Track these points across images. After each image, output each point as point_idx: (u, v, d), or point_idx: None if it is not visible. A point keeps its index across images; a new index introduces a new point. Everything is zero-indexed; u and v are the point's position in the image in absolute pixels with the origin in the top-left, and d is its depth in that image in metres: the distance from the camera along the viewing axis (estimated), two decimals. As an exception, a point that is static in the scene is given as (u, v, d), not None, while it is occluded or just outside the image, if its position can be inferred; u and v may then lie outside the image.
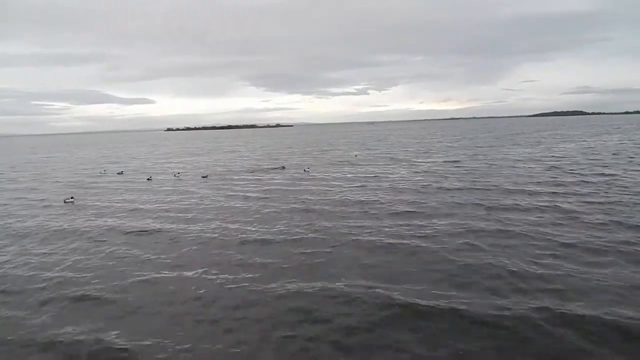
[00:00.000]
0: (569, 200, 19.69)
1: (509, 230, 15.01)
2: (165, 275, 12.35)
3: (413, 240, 14.22)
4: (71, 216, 21.48)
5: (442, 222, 16.45)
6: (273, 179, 32.40)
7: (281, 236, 15.65)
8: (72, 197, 26.49)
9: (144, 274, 12.56)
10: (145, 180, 35.07)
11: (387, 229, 15.83)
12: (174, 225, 18.33)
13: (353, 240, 14.69)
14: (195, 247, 14.94)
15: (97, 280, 12.14)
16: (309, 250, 13.82)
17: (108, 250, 15.18)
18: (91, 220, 20.35)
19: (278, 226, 17.15)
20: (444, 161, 40.04)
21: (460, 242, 13.92)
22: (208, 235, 16.39)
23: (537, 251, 12.83)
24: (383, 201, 21.04)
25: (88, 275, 12.66)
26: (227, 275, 12.02)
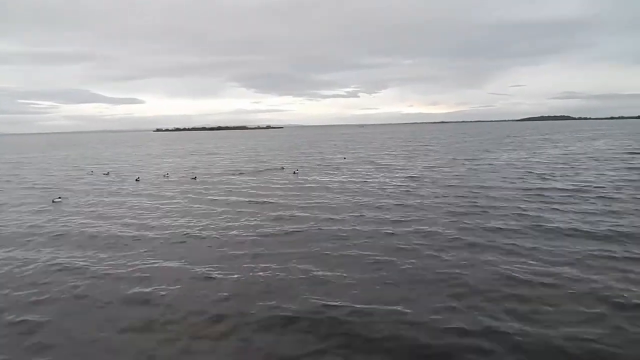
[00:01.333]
0: (554, 216, 18.44)
1: (482, 258, 13.11)
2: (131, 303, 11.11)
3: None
4: (55, 216, 21.73)
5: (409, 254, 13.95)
6: (263, 182, 32.85)
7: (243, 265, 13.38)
8: (59, 197, 26.63)
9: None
10: (134, 181, 35.20)
11: (352, 252, 14.27)
12: (150, 234, 18.25)
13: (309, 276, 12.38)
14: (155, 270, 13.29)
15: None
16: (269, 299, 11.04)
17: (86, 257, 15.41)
18: (74, 222, 20.50)
19: (254, 249, 15.26)
20: (424, 167, 40.19)
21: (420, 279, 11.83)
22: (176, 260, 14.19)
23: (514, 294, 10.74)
24: (365, 214, 20.02)
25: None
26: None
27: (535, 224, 17.17)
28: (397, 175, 34.12)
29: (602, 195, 22.79)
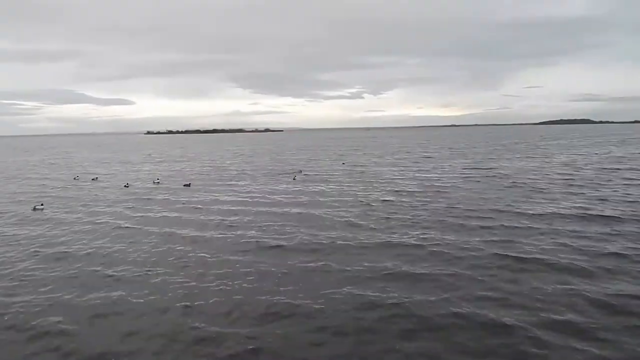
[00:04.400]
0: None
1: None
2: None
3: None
4: (33, 227, 22.01)
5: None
6: (255, 190, 33.43)
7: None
8: (41, 204, 26.92)
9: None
10: (123, 187, 35.64)
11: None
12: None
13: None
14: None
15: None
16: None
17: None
18: (54, 231, 20.67)
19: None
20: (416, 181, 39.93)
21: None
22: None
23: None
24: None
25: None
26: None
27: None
28: (396, 192, 32.10)
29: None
